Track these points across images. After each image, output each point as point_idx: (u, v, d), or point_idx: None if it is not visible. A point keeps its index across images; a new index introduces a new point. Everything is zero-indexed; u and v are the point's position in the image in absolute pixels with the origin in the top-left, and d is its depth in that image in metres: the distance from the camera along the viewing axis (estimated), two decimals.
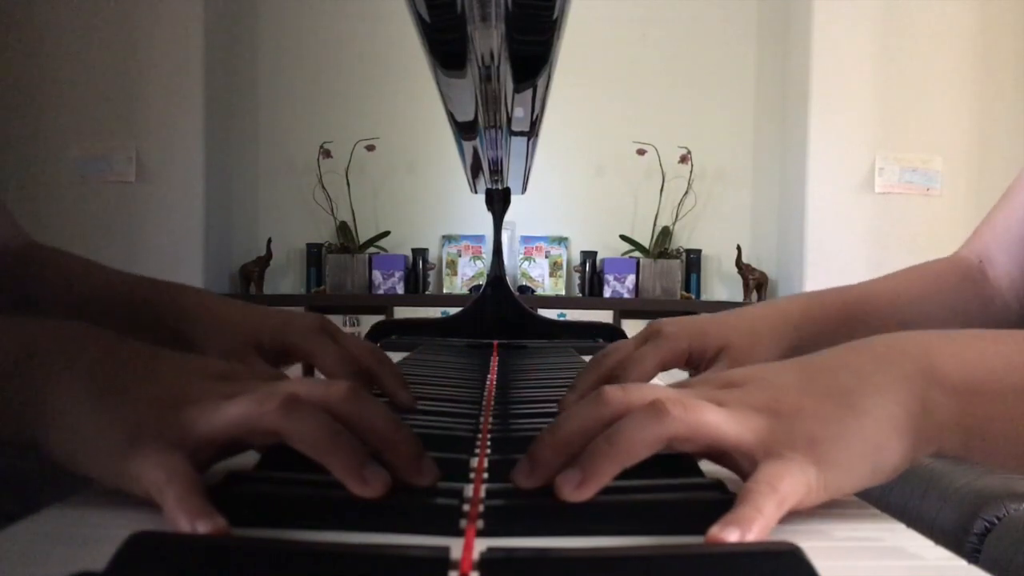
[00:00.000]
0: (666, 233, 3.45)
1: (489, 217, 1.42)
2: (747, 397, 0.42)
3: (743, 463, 0.41)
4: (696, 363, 0.67)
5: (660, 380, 0.69)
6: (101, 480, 0.40)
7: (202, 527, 0.34)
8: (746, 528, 0.35)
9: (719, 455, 0.42)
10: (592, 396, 0.42)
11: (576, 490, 0.37)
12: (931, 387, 0.42)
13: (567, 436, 0.40)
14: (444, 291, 3.46)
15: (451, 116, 0.92)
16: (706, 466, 0.45)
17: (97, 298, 0.74)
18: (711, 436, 0.40)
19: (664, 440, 0.39)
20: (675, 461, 0.48)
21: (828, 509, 0.42)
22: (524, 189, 1.44)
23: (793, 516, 0.39)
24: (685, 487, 0.41)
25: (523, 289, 3.43)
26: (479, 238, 3.44)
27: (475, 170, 1.28)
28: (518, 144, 1.07)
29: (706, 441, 0.40)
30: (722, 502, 0.38)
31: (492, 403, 0.72)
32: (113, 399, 0.41)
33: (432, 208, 3.53)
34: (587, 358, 1.16)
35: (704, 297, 3.50)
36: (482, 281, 2.73)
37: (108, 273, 0.77)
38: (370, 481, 0.37)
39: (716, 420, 0.40)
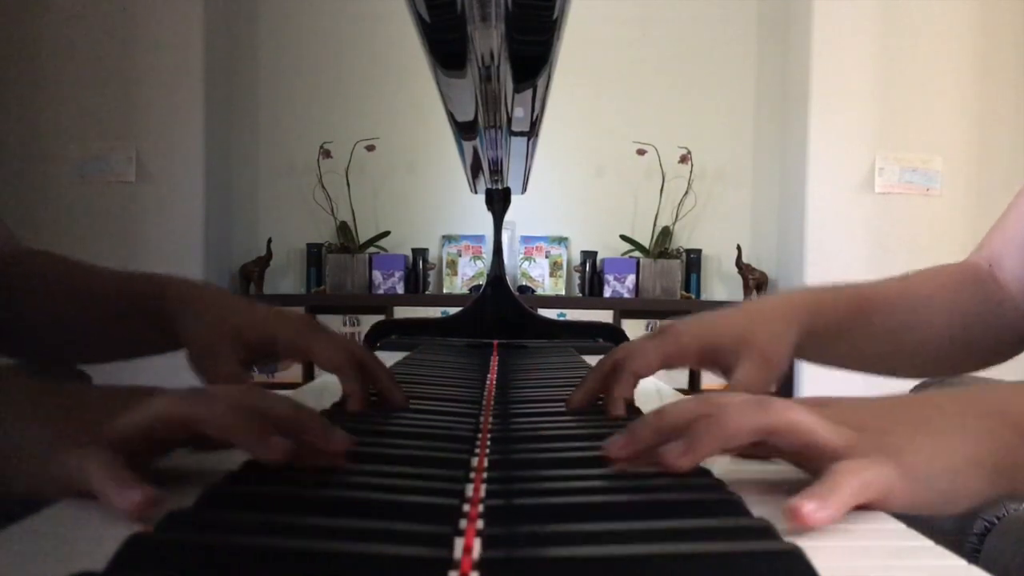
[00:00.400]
0: (666, 233, 3.45)
1: (489, 217, 1.42)
2: (839, 414, 0.44)
3: (829, 464, 0.42)
4: (710, 360, 0.67)
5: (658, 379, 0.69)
6: (29, 493, 0.42)
7: (133, 495, 0.37)
8: (823, 502, 0.37)
9: (807, 458, 0.44)
10: (694, 397, 0.46)
11: (678, 458, 0.41)
12: (1007, 429, 0.44)
13: (668, 421, 0.44)
14: (444, 291, 3.46)
15: (451, 116, 0.92)
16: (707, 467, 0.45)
17: (86, 295, 0.74)
18: (806, 434, 0.42)
19: (763, 429, 0.42)
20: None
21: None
22: (524, 189, 1.44)
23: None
24: (687, 487, 0.41)
25: (523, 289, 3.43)
26: (479, 238, 3.44)
27: (475, 170, 1.28)
28: (518, 144, 1.07)
29: (800, 439, 0.42)
30: (723, 501, 0.38)
31: (492, 403, 0.73)
32: (31, 420, 0.43)
33: (432, 208, 3.53)
34: (587, 358, 1.16)
35: (704, 297, 3.50)
36: (482, 281, 2.73)
37: (98, 270, 0.77)
38: (272, 448, 0.41)
39: (809, 420, 0.42)
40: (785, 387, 3.14)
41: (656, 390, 0.92)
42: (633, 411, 0.65)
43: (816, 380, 2.57)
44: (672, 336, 0.67)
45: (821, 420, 0.43)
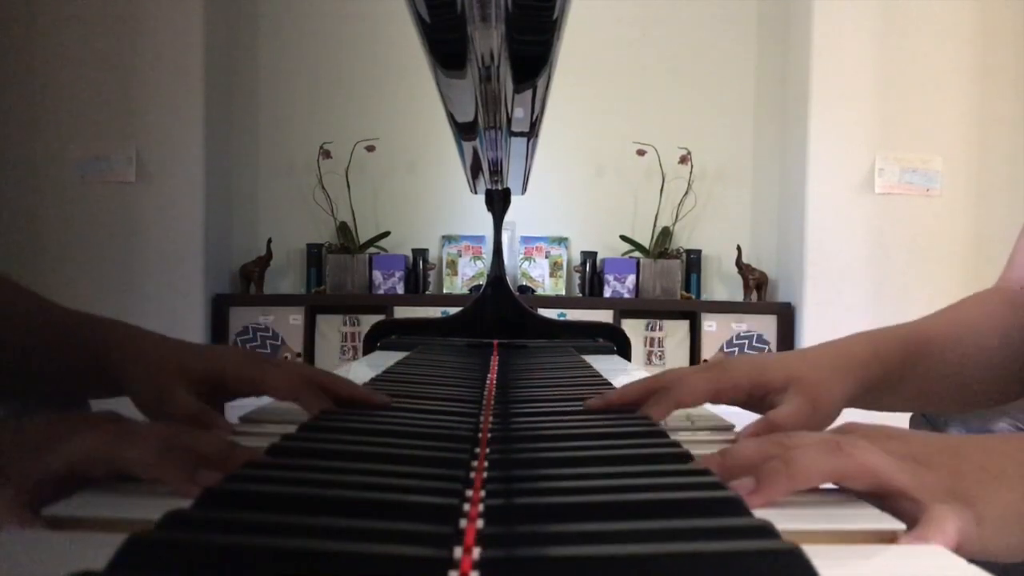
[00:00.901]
0: (666, 233, 3.45)
1: (489, 217, 1.42)
2: (910, 450, 0.44)
3: (906, 506, 0.43)
4: (758, 397, 0.65)
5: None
6: None
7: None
8: (932, 543, 0.38)
9: (882, 497, 0.44)
10: (766, 437, 0.47)
11: (748, 496, 0.41)
12: None
13: (734, 461, 0.45)
14: (444, 291, 3.46)
15: (451, 116, 0.92)
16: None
17: (28, 334, 0.72)
18: (878, 477, 0.42)
19: (835, 473, 0.42)
20: (675, 458, 0.48)
21: (828, 509, 0.42)
22: (524, 189, 1.44)
23: (792, 515, 0.39)
24: (687, 487, 0.41)
25: (523, 289, 3.43)
26: (479, 238, 3.44)
27: (475, 170, 1.28)
28: (518, 144, 1.07)
29: (873, 481, 0.43)
30: (723, 501, 0.38)
31: (492, 403, 0.73)
32: None
33: (432, 208, 3.53)
34: (587, 358, 1.16)
35: (704, 297, 3.50)
36: (482, 281, 2.73)
37: (45, 305, 0.74)
38: (200, 483, 0.41)
39: (883, 464, 0.43)
40: None
41: None
42: (646, 426, 0.63)
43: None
44: (723, 371, 0.65)
45: (892, 460, 0.43)
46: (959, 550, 0.41)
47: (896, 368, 0.71)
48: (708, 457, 0.46)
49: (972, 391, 0.76)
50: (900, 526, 0.40)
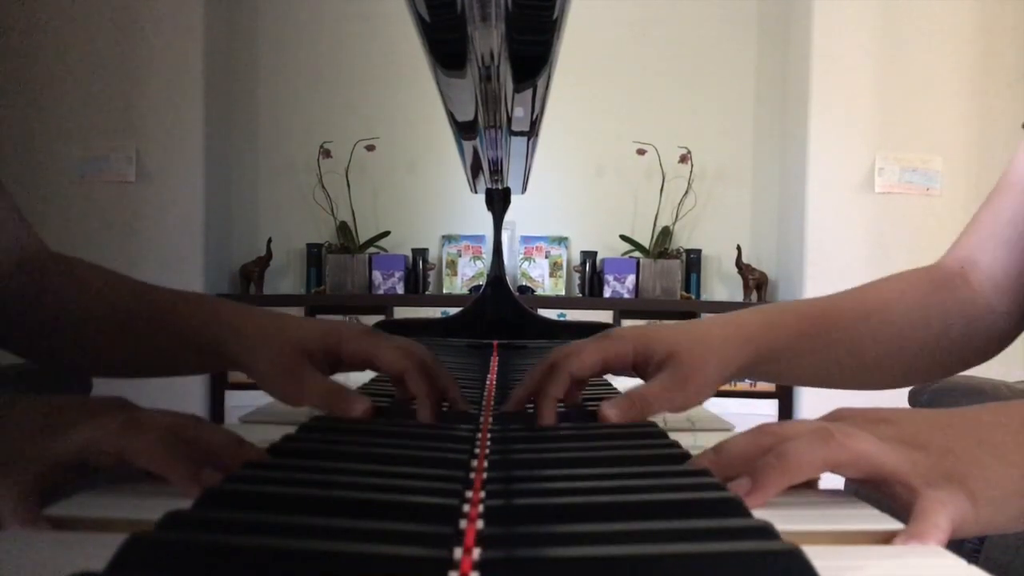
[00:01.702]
0: (666, 233, 3.45)
1: (489, 217, 1.42)
2: (900, 432, 0.44)
3: (900, 491, 0.43)
4: (643, 368, 0.65)
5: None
6: None
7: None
8: (926, 540, 0.38)
9: (877, 483, 0.44)
10: (755, 428, 0.46)
11: (746, 497, 0.41)
12: None
13: (727, 457, 0.45)
14: (444, 291, 3.46)
15: (451, 116, 0.92)
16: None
17: (120, 310, 0.72)
18: (871, 464, 0.42)
19: (828, 463, 0.42)
20: (674, 459, 0.48)
21: (828, 509, 0.42)
22: (524, 189, 1.44)
23: (792, 516, 0.39)
24: (686, 487, 0.41)
25: (523, 289, 3.43)
26: (479, 238, 3.44)
27: (475, 170, 1.28)
28: (518, 144, 1.07)
29: (867, 468, 0.43)
30: (723, 501, 0.38)
31: (492, 403, 0.73)
32: None
33: (432, 208, 3.53)
34: None
35: (704, 297, 3.50)
36: (482, 281, 2.73)
37: (131, 285, 0.74)
38: (204, 483, 0.41)
39: (876, 450, 0.42)
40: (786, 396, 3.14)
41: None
42: (580, 411, 0.63)
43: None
44: (612, 339, 0.65)
45: (884, 446, 0.43)
46: (957, 532, 0.41)
47: (790, 342, 0.69)
48: (703, 454, 0.46)
49: (874, 369, 0.74)
50: (897, 526, 0.40)
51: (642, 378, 0.65)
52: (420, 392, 0.62)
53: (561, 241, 3.50)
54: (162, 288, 0.74)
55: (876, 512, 0.42)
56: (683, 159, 3.41)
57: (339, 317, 3.34)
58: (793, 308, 0.73)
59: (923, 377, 0.78)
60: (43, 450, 0.42)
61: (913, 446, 0.43)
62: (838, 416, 0.47)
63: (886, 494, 0.43)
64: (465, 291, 3.43)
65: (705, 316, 0.72)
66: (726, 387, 0.70)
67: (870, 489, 0.45)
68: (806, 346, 0.70)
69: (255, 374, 0.65)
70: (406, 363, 0.63)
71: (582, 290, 3.45)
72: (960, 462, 0.42)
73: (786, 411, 3.19)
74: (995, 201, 0.80)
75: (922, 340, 0.75)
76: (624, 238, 3.46)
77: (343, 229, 3.44)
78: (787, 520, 0.38)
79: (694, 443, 0.57)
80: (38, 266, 0.76)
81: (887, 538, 0.39)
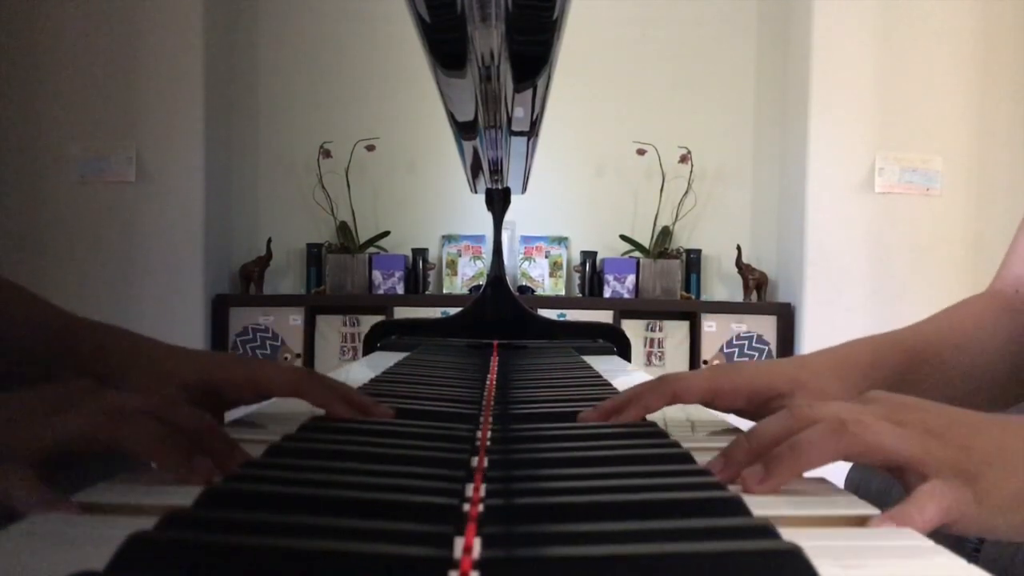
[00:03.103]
0: (666, 233, 3.45)
1: (489, 217, 1.42)
2: (925, 420, 0.45)
3: (910, 478, 0.43)
4: (760, 402, 0.64)
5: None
6: None
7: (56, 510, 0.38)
8: (903, 523, 0.39)
9: (891, 471, 0.45)
10: (784, 411, 0.47)
11: (759, 484, 0.43)
12: None
13: (759, 442, 0.46)
14: (444, 291, 3.46)
15: (451, 116, 0.92)
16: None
17: (24, 336, 0.71)
18: (885, 454, 0.43)
19: (840, 454, 0.43)
20: (674, 459, 0.48)
21: (828, 509, 0.42)
22: (524, 189, 1.44)
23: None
24: (686, 487, 0.41)
25: (523, 289, 3.43)
26: (479, 238, 3.44)
27: (475, 170, 1.28)
28: (518, 144, 1.07)
29: (880, 458, 0.44)
30: (723, 501, 0.38)
31: (492, 403, 0.73)
32: None
33: (432, 208, 3.53)
34: (587, 358, 1.16)
35: (704, 297, 3.50)
36: (482, 281, 2.73)
37: (41, 311, 0.73)
38: (197, 471, 0.43)
39: (889, 439, 0.43)
40: None
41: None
42: (646, 426, 0.62)
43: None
44: (723, 372, 0.64)
45: (902, 433, 0.43)
46: (955, 528, 0.41)
47: (896, 376, 0.70)
48: (738, 440, 0.47)
49: (971, 398, 0.75)
50: (873, 511, 0.40)
51: (749, 417, 0.64)
52: (326, 398, 0.61)
53: (561, 241, 3.50)
54: (69, 315, 0.72)
55: (877, 512, 0.42)
56: (683, 159, 3.41)
57: (339, 317, 3.34)
58: (896, 341, 0.73)
59: (1003, 405, 0.78)
60: (31, 437, 0.43)
61: (934, 435, 0.44)
62: (871, 399, 0.48)
63: (904, 482, 0.44)
64: (465, 291, 3.43)
65: (810, 353, 0.72)
66: None
67: (892, 475, 0.45)
68: (909, 380, 0.71)
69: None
70: (297, 379, 0.63)
71: (582, 290, 3.45)
72: (975, 460, 0.43)
73: None
74: None
75: (1001, 368, 0.76)
76: (624, 238, 3.46)
77: (343, 229, 3.44)
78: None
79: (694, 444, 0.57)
80: None
81: (859, 521, 0.40)
